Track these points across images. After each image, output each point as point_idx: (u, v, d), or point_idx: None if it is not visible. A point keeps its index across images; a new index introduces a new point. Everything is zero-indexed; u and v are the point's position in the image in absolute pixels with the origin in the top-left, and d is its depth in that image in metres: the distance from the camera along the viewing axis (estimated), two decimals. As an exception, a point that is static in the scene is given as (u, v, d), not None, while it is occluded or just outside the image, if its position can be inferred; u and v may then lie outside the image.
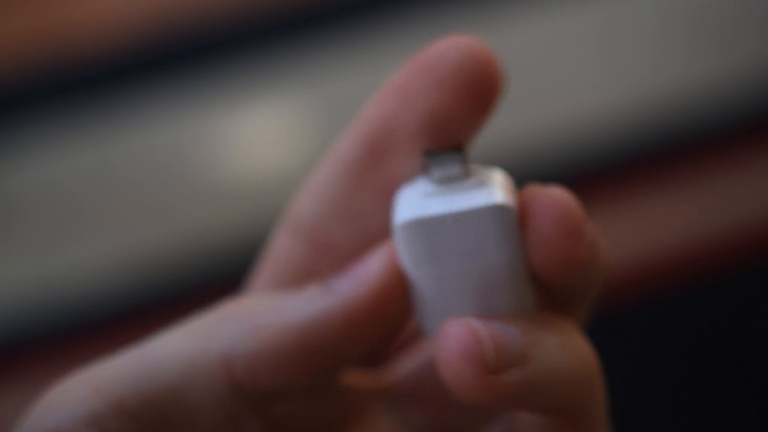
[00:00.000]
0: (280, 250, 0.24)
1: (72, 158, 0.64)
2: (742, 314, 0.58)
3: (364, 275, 0.21)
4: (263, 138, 0.67)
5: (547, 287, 0.21)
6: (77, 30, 0.69)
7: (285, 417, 0.22)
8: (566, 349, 0.21)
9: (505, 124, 0.65)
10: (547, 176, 0.62)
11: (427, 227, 0.20)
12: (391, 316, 0.21)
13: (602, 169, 0.62)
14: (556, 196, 0.20)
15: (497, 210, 0.20)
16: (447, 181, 0.20)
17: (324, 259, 0.23)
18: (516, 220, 0.20)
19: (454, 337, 0.20)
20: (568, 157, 0.62)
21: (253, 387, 0.21)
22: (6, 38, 0.69)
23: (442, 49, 0.22)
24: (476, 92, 0.22)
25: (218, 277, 0.59)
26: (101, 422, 0.20)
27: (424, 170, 0.21)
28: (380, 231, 0.23)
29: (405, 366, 0.24)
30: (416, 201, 0.21)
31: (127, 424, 0.20)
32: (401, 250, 0.21)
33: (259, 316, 0.21)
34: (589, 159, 0.62)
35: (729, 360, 0.57)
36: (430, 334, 0.22)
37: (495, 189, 0.20)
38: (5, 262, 0.61)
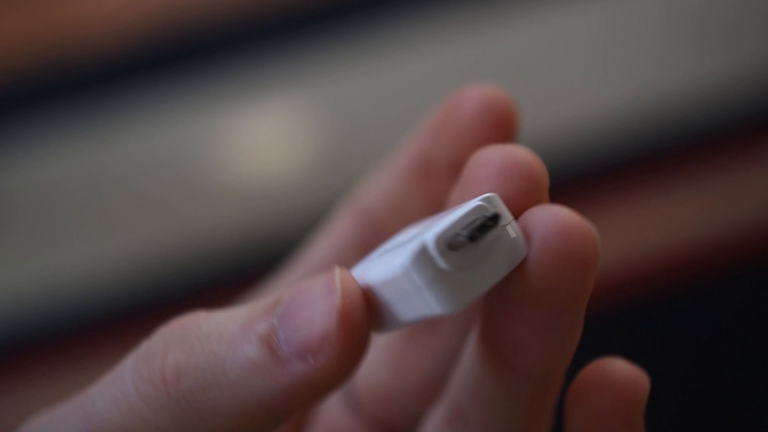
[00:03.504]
0: (344, 228, 0.26)
1: (73, 158, 0.64)
2: (742, 314, 0.58)
3: (313, 348, 0.19)
4: (264, 138, 0.67)
5: None
6: (79, 30, 0.69)
7: None
8: None
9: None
10: (548, 175, 0.62)
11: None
12: (353, 371, 0.20)
13: (602, 169, 0.62)
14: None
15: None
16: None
17: (381, 241, 0.25)
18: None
19: (555, 240, 0.18)
20: (569, 157, 0.62)
21: None
22: (7, 38, 0.69)
23: (463, 96, 0.25)
24: (494, 135, 0.24)
25: (219, 278, 0.59)
26: None
27: None
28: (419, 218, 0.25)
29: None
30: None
31: None
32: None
33: (210, 398, 0.19)
34: (589, 159, 0.62)
35: (729, 360, 0.57)
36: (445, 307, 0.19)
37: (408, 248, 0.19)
38: (5, 261, 0.61)
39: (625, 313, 0.57)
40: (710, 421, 0.56)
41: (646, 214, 0.61)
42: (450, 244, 0.18)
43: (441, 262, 0.18)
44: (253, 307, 0.20)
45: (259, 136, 0.67)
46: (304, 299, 0.19)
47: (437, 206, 0.25)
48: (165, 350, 0.20)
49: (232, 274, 0.59)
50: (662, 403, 0.56)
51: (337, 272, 0.19)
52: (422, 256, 0.18)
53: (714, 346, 0.57)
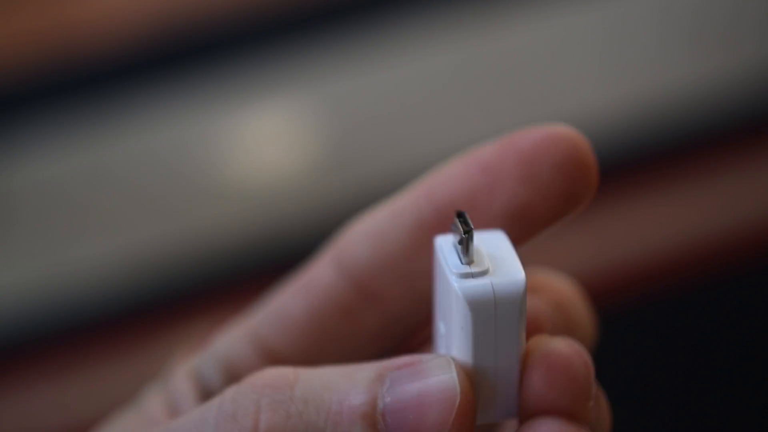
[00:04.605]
0: (322, 281, 0.23)
1: (74, 158, 0.64)
2: (742, 314, 0.58)
3: None
4: (266, 138, 0.67)
5: None
6: (80, 29, 0.69)
7: None
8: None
9: (506, 124, 0.64)
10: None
11: (439, 265, 0.21)
12: None
13: (602, 169, 0.62)
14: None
15: (459, 297, 0.20)
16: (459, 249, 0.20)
17: (366, 306, 0.22)
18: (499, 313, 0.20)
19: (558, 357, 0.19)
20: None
21: None
22: (8, 37, 0.69)
23: (541, 139, 0.21)
24: (571, 192, 0.21)
25: (220, 278, 0.59)
26: None
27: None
28: (430, 291, 0.22)
29: None
30: (452, 240, 0.21)
31: None
32: (434, 269, 0.21)
33: None
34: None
35: (729, 360, 0.57)
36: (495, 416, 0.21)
37: (479, 283, 0.20)
38: (5, 261, 0.61)
39: (624, 313, 0.57)
40: (710, 421, 0.56)
41: (645, 214, 0.61)
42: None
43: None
44: (352, 376, 0.19)
45: (259, 135, 0.67)
46: (419, 386, 0.19)
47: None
48: (257, 411, 0.19)
49: (232, 274, 0.59)
50: (662, 402, 0.56)
51: (455, 372, 0.19)
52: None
53: (714, 346, 0.57)
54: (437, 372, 0.19)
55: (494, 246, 0.20)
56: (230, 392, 0.20)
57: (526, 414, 0.19)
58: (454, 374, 0.19)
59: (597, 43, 0.67)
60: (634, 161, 0.62)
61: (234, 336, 0.23)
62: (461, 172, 0.22)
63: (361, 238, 0.22)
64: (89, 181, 0.64)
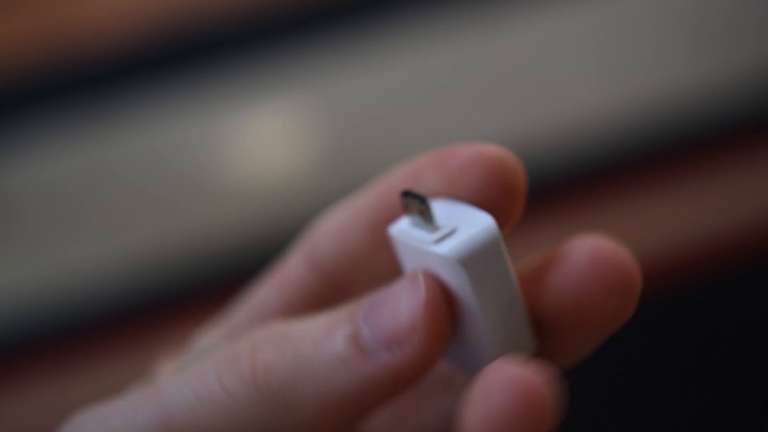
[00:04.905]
0: (294, 273, 0.24)
1: (75, 157, 0.64)
2: (742, 314, 0.58)
3: (402, 337, 0.20)
4: (266, 138, 0.67)
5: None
6: (81, 29, 0.69)
7: None
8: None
9: (505, 124, 0.65)
10: (548, 176, 0.62)
11: (409, 248, 0.21)
12: (435, 363, 0.20)
13: (602, 169, 0.62)
14: (618, 254, 0.21)
15: (450, 263, 0.20)
16: (421, 222, 0.21)
17: (336, 296, 0.24)
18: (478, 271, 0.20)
19: (515, 382, 0.19)
20: (568, 157, 0.62)
21: None
22: (10, 37, 0.69)
23: (464, 156, 0.22)
24: (498, 205, 0.21)
25: (221, 277, 0.59)
26: None
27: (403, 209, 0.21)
28: (392, 279, 0.23)
29: None
30: (407, 223, 0.21)
31: None
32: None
33: (297, 391, 0.20)
34: (589, 159, 0.62)
35: (729, 360, 0.57)
36: (470, 369, 0.22)
37: (455, 239, 0.20)
38: (6, 261, 0.61)
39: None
40: (710, 421, 0.56)
41: (646, 214, 0.61)
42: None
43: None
44: (334, 313, 0.21)
45: (259, 135, 0.67)
46: (388, 296, 0.20)
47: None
48: (253, 351, 0.21)
49: (232, 274, 0.59)
50: (662, 402, 0.56)
51: (419, 272, 0.21)
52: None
53: (714, 346, 0.57)
54: (402, 281, 0.21)
55: (445, 210, 0.21)
56: (226, 345, 0.22)
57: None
58: (419, 275, 0.20)
59: (596, 44, 0.67)
60: (634, 161, 0.62)
61: (216, 334, 0.24)
62: (404, 175, 0.23)
63: (328, 234, 0.23)
64: (90, 181, 0.64)
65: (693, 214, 0.60)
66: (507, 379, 0.18)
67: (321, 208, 0.25)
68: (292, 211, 0.61)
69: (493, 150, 0.21)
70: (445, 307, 0.20)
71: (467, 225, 0.20)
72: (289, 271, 0.24)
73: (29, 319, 0.59)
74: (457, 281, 0.20)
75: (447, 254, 0.20)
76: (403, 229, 0.21)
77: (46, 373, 0.56)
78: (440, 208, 0.21)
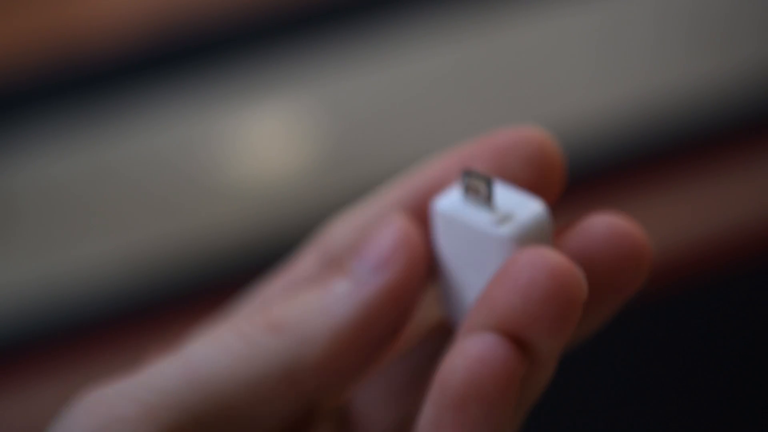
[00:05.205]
0: (306, 272, 0.25)
1: (76, 157, 0.64)
2: (742, 314, 0.58)
3: (386, 259, 0.22)
4: (268, 138, 0.67)
5: None
6: (83, 28, 0.69)
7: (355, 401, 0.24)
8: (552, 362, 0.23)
9: (505, 123, 0.65)
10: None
11: (447, 222, 0.22)
12: (419, 291, 0.23)
13: (601, 170, 0.62)
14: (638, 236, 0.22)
15: (502, 244, 0.21)
16: (476, 202, 0.22)
17: None
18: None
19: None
20: (567, 158, 0.62)
21: (320, 392, 0.22)
22: (11, 36, 0.69)
23: (514, 136, 0.23)
24: (539, 184, 0.23)
25: (222, 277, 0.59)
26: None
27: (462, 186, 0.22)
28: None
29: None
30: (456, 201, 0.22)
31: None
32: (438, 233, 0.23)
33: (308, 327, 0.22)
34: (589, 159, 0.62)
35: (729, 361, 0.57)
36: (453, 315, 0.23)
37: (513, 224, 0.21)
38: (8, 261, 0.61)
39: (623, 313, 0.57)
40: (709, 421, 0.56)
41: (646, 214, 0.61)
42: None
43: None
44: (328, 273, 0.23)
45: (260, 135, 0.67)
46: (370, 238, 0.23)
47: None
48: (265, 308, 0.23)
49: (233, 274, 0.59)
50: (661, 402, 0.56)
51: (393, 213, 0.23)
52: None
53: (714, 347, 0.57)
54: (378, 224, 0.23)
55: (498, 192, 0.22)
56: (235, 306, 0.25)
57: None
58: (393, 213, 0.23)
59: (595, 44, 0.67)
60: (633, 161, 0.62)
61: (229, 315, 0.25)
62: (441, 166, 0.24)
63: (346, 234, 0.24)
64: (91, 181, 0.64)
65: (692, 214, 0.60)
66: (537, 257, 0.20)
67: (322, 207, 0.25)
68: (294, 211, 0.61)
69: (535, 131, 0.23)
70: (423, 228, 0.23)
71: (522, 209, 0.21)
72: (301, 270, 0.25)
73: (30, 319, 0.59)
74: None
75: (507, 237, 0.21)
76: (454, 206, 0.22)
77: (48, 372, 0.56)
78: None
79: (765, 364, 0.57)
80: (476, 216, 0.22)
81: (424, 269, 0.23)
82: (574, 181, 0.65)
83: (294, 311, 0.22)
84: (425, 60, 0.67)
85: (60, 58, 0.68)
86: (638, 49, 0.67)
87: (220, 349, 0.22)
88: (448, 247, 0.23)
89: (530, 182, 0.23)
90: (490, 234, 0.21)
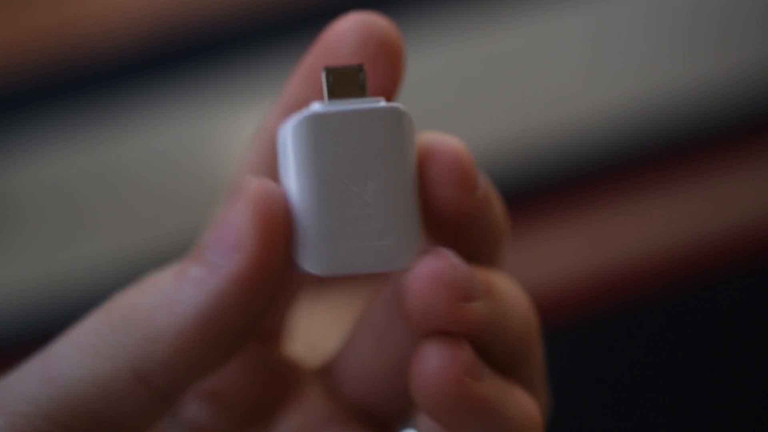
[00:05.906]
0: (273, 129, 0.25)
1: (77, 157, 0.64)
2: (742, 315, 0.59)
3: (239, 240, 0.20)
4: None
5: (443, 235, 0.22)
6: (84, 28, 0.69)
7: (217, 391, 0.24)
8: (515, 295, 0.22)
9: (502, 124, 0.65)
10: (546, 176, 0.62)
11: (322, 124, 0.21)
12: (277, 266, 0.21)
13: (600, 170, 0.62)
14: (451, 146, 0.22)
15: (395, 113, 0.21)
16: (346, 95, 0.21)
17: None
18: (411, 133, 0.21)
19: (428, 264, 0.20)
20: (565, 159, 0.62)
21: (173, 387, 0.21)
22: (12, 36, 0.69)
23: (340, 29, 0.23)
24: (380, 67, 0.23)
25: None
26: None
27: (325, 88, 0.21)
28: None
29: (340, 349, 0.25)
30: (318, 107, 0.21)
31: None
32: (292, 161, 0.21)
33: (155, 321, 0.21)
34: (587, 160, 0.62)
35: (728, 361, 0.57)
36: (314, 266, 0.21)
37: (394, 103, 0.21)
38: (9, 261, 0.61)
39: (620, 314, 0.57)
40: (708, 421, 0.56)
41: (645, 214, 0.61)
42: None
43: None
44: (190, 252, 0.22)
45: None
46: (223, 217, 0.21)
47: None
48: (123, 298, 0.23)
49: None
50: (661, 402, 0.56)
51: (247, 179, 0.21)
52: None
53: (713, 347, 0.58)
54: (230, 200, 0.21)
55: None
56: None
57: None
58: (244, 184, 0.21)
59: (594, 44, 0.67)
60: (632, 161, 0.62)
61: None
62: (293, 84, 0.24)
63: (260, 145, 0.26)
64: (91, 181, 0.64)
65: (691, 214, 0.60)
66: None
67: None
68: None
69: (357, 16, 0.23)
70: (278, 204, 0.21)
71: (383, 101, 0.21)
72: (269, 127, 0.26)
73: (31, 319, 0.59)
74: (396, 134, 0.21)
75: (395, 107, 0.20)
76: (322, 108, 0.21)
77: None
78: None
79: (763, 365, 0.57)
80: (353, 103, 0.21)
81: (284, 246, 0.21)
82: (572, 181, 0.66)
83: (146, 302, 0.22)
84: (426, 60, 0.67)
85: (61, 57, 0.68)
86: (636, 49, 0.67)
87: (77, 347, 0.22)
88: (316, 163, 0.21)
89: (372, 60, 0.22)
90: (375, 107, 0.20)
